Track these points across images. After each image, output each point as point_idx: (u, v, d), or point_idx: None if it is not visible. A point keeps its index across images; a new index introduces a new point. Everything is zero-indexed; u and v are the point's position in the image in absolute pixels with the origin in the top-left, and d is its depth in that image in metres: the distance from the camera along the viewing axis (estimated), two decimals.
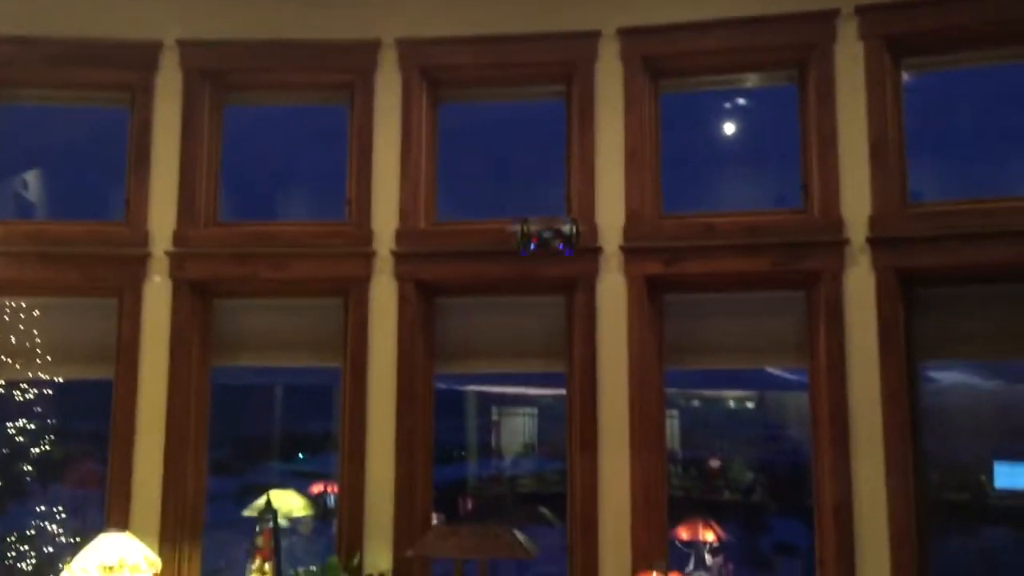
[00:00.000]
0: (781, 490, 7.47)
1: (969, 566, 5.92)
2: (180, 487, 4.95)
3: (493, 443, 9.50)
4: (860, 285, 4.69)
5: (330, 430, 5.85)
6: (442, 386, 5.27)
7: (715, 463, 6.76)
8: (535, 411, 9.45)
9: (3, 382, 5.22)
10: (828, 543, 4.65)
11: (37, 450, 5.52)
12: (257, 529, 4.75)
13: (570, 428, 5.01)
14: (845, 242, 4.72)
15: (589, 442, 4.88)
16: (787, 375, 7.96)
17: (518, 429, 9.60)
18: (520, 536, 4.58)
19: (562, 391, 5.14)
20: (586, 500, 4.85)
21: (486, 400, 9.13)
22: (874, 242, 4.68)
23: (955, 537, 5.91)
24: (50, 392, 5.50)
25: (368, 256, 5.10)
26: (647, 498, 4.81)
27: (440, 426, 5.20)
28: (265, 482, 4.83)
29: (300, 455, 6.70)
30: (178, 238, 5.13)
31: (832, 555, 4.61)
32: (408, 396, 5.00)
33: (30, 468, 5.47)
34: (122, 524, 4.62)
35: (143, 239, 5.13)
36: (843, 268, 4.72)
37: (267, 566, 4.60)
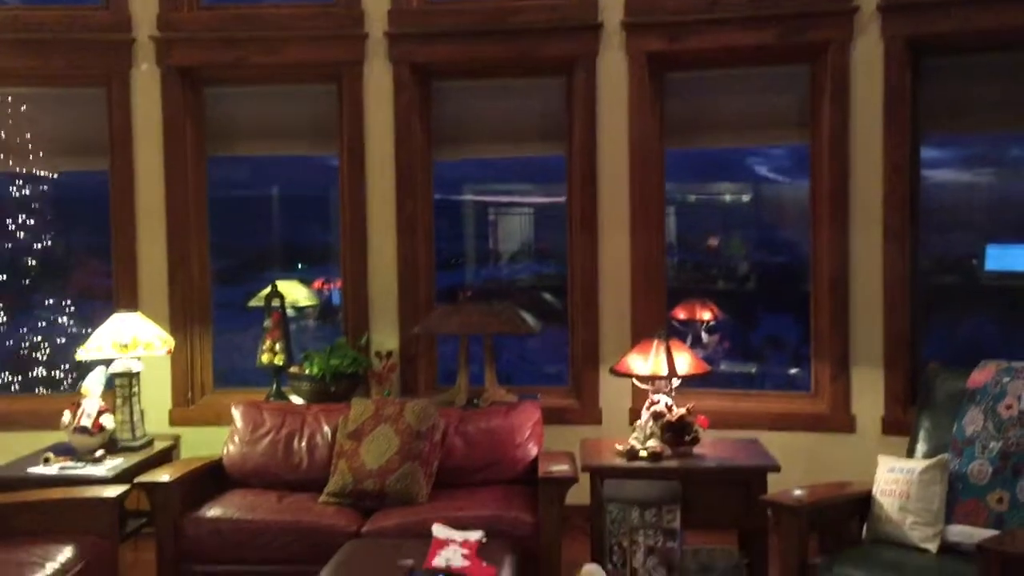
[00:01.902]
0: (773, 284, 7.60)
1: (958, 342, 6.08)
2: (185, 272, 5.00)
3: (491, 245, 9.56)
4: (868, 55, 4.57)
5: (329, 240, 5.88)
6: (438, 196, 5.22)
7: (713, 241, 6.84)
8: (531, 212, 9.47)
9: None
10: (823, 317, 4.76)
11: (40, 246, 5.55)
12: (265, 312, 4.84)
13: (570, 210, 5.01)
14: (854, 10, 4.57)
15: (589, 223, 4.90)
16: (781, 177, 7.94)
17: (515, 230, 9.65)
18: (523, 313, 4.68)
19: (560, 199, 5.11)
20: (586, 280, 4.93)
21: (483, 209, 9.13)
22: (884, 9, 4.53)
23: (945, 315, 6.04)
24: (46, 187, 5.48)
25: (360, 38, 4.94)
26: (646, 277, 4.88)
27: (437, 235, 5.19)
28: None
29: (299, 265, 6.72)
30: (162, 22, 4.94)
31: (827, 328, 4.73)
32: (408, 182, 4.98)
33: (34, 263, 5.51)
34: (131, 307, 4.68)
35: (126, 23, 4.95)
36: (851, 37, 4.58)
37: (278, 346, 4.71)
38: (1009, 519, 3.29)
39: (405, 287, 4.98)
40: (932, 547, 3.35)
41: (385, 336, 4.96)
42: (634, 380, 4.18)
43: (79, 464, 4.10)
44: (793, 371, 5.83)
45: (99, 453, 4.17)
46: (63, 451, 4.21)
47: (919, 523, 3.39)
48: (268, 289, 4.91)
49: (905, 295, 4.64)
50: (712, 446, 4.05)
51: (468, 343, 4.67)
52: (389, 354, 4.83)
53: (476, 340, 4.68)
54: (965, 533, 3.33)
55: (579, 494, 4.02)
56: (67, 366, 5.54)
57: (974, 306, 6.40)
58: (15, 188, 5.41)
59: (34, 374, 5.54)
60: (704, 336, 5.55)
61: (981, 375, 3.63)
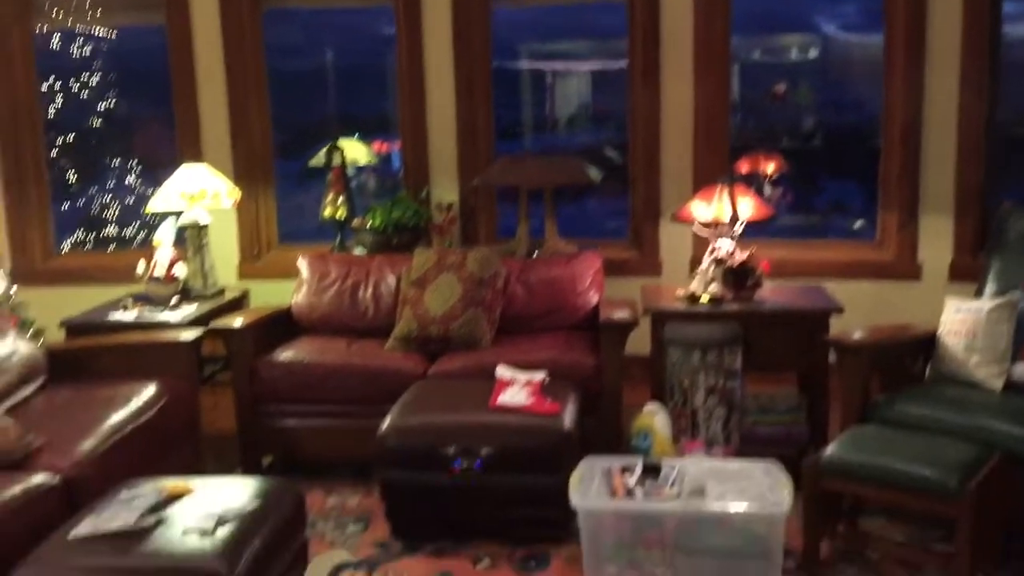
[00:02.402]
0: (839, 143, 7.40)
1: None
2: (246, 127, 5.02)
3: (548, 111, 9.43)
4: None
5: (385, 110, 5.83)
6: (495, 64, 5.08)
7: (780, 87, 6.63)
8: (589, 77, 9.29)
9: (58, 36, 5.21)
10: (893, 164, 4.63)
11: (103, 107, 5.61)
12: (325, 171, 4.87)
13: (631, 64, 4.89)
14: None
15: (651, 77, 4.78)
16: (849, 34, 7.61)
17: (572, 95, 9.49)
18: (584, 164, 4.64)
19: (618, 62, 4.93)
20: (648, 135, 4.84)
21: (540, 76, 8.96)
22: None
23: (1020, 166, 5.84)
24: (106, 47, 5.49)
25: None
26: (709, 132, 4.78)
27: (494, 103, 5.08)
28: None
29: (356, 135, 6.70)
30: None
31: (896, 175, 4.61)
32: (465, 31, 4.88)
33: (99, 123, 5.59)
34: (196, 160, 4.75)
35: None
36: None
37: (340, 200, 4.76)
38: None
39: (465, 139, 4.95)
40: (997, 385, 3.35)
41: (445, 190, 4.97)
42: (696, 227, 4.15)
43: (155, 311, 4.25)
44: (857, 225, 5.73)
45: (174, 301, 4.31)
46: (139, 300, 4.36)
47: (984, 361, 3.38)
48: (328, 147, 4.92)
49: (980, 143, 4.49)
50: (773, 292, 4.04)
51: (528, 196, 4.66)
52: (450, 206, 4.86)
53: (536, 198, 4.66)
54: None
55: (639, 344, 4.07)
56: (136, 225, 5.69)
57: None
58: (76, 48, 5.45)
59: (105, 233, 5.70)
60: (767, 189, 5.45)
61: None
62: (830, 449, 3.09)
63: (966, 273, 4.35)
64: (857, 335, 3.47)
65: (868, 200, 4.99)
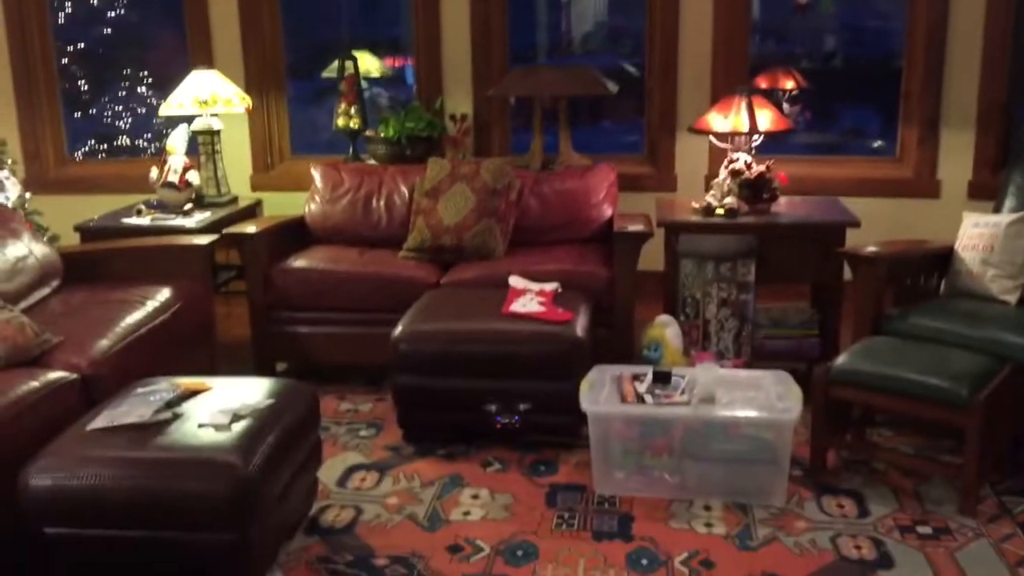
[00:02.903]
0: (860, 69, 7.24)
1: None
2: (258, 35, 4.95)
3: (563, 29, 9.26)
4: None
5: (398, 35, 5.71)
6: None
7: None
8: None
9: None
10: (915, 78, 4.54)
11: (113, 14, 5.53)
12: (338, 81, 4.80)
13: None
14: None
15: None
16: None
17: (587, 14, 9.30)
18: (601, 76, 4.57)
19: None
20: (666, 47, 4.75)
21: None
22: None
23: None
24: None
25: None
26: (728, 46, 4.69)
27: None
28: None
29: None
30: None
31: (918, 89, 4.53)
32: None
33: (110, 32, 5.52)
34: (207, 66, 4.69)
35: None
36: None
37: (353, 110, 4.71)
38: None
39: (479, 51, 4.87)
40: (1012, 299, 3.33)
41: (459, 101, 4.91)
42: (712, 139, 4.10)
43: (169, 217, 4.25)
44: (877, 144, 5.64)
45: (187, 207, 4.32)
46: (153, 207, 4.36)
47: (1000, 276, 3.35)
48: (341, 56, 4.85)
49: (1005, 56, 4.39)
50: (790, 205, 4.01)
51: (543, 113, 4.60)
52: (464, 117, 4.80)
53: (551, 118, 4.59)
54: None
55: (653, 260, 4.06)
56: (149, 135, 5.66)
57: None
58: None
59: (118, 142, 5.67)
60: (786, 106, 5.34)
61: None
62: (841, 358, 3.09)
63: (985, 191, 4.30)
64: (873, 247, 3.44)
65: (887, 124, 4.90)
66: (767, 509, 2.91)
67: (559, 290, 3.65)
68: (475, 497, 3.04)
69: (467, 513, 2.94)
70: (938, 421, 2.97)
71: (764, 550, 2.69)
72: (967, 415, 2.79)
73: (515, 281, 3.71)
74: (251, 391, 2.75)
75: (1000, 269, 3.35)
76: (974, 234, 3.46)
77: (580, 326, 3.39)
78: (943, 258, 3.53)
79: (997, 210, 3.62)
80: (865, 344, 3.19)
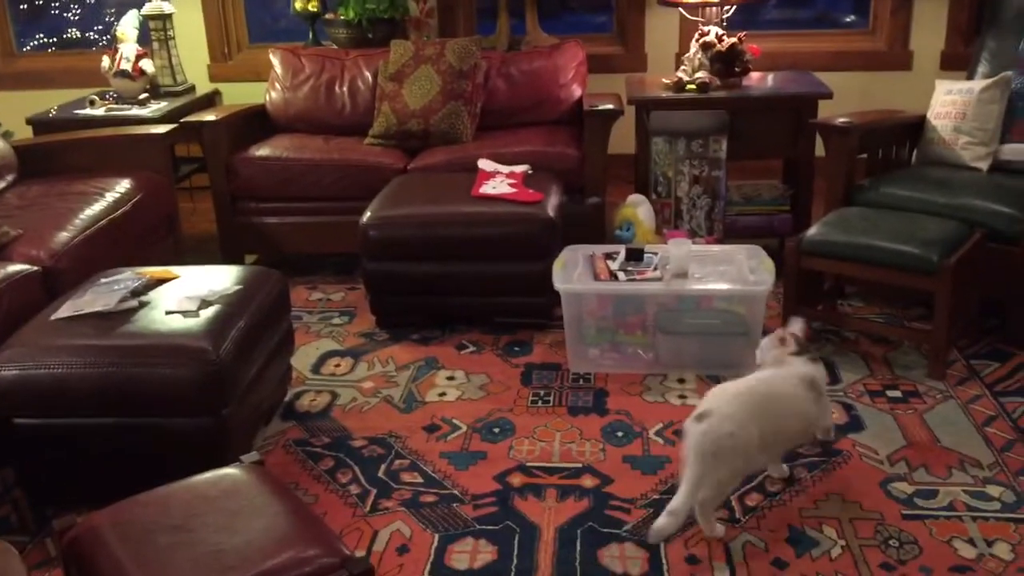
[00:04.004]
0: None
1: None
2: None
3: None
4: None
5: None
6: None
7: None
8: None
9: None
10: None
11: None
12: None
13: None
14: None
15: None
16: None
17: None
18: None
19: None
20: None
21: None
22: None
23: None
24: None
25: None
26: None
27: None
28: None
29: None
30: None
31: None
32: None
33: None
34: None
35: None
36: None
37: None
38: None
39: None
40: (983, 166, 3.32)
41: None
42: (683, 11, 3.99)
43: (125, 107, 4.11)
44: (850, 19, 5.53)
45: (142, 97, 4.17)
46: (107, 98, 4.21)
47: (972, 143, 3.33)
48: None
49: None
50: (762, 78, 3.94)
51: None
52: None
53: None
54: (1019, 151, 3.28)
55: (624, 143, 3.99)
56: (99, 27, 5.42)
57: None
58: None
59: (67, 35, 5.44)
60: None
61: None
62: (813, 229, 3.08)
63: (958, 62, 4.23)
64: (844, 118, 3.40)
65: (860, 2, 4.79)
66: None
67: (530, 171, 3.59)
68: (450, 378, 3.04)
69: (443, 394, 2.94)
70: (908, 287, 2.99)
71: None
72: (937, 280, 2.80)
73: (484, 164, 3.65)
74: (219, 278, 2.70)
75: (972, 136, 3.33)
76: (947, 101, 3.42)
77: (551, 206, 3.34)
78: (916, 128, 3.51)
79: (970, 77, 3.58)
80: (837, 215, 3.18)
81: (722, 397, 2.24)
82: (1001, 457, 2.48)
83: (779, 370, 2.37)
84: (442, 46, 4.07)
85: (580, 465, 2.52)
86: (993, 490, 2.34)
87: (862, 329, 3.20)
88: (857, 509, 2.29)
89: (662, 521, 2.08)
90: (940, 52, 4.43)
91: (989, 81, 3.35)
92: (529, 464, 2.53)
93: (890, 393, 2.83)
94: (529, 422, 2.75)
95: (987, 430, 2.61)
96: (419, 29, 4.58)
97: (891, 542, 2.16)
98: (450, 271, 3.32)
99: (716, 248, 3.31)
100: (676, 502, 2.09)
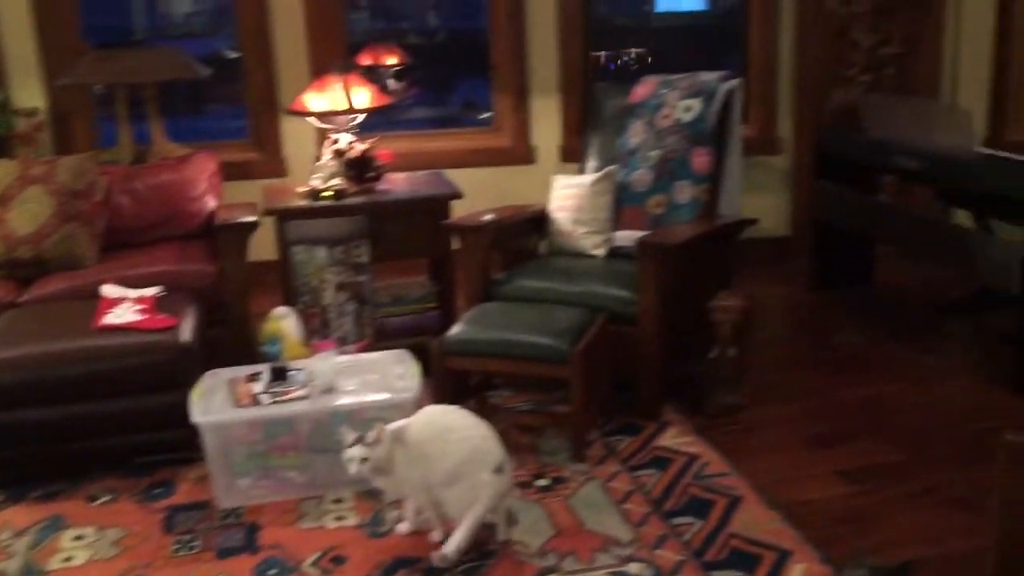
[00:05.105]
0: (464, 43, 7.49)
1: (628, 75, 6.38)
2: None
3: (157, 17, 8.62)
4: None
5: None
6: None
7: None
8: None
9: None
10: (503, 45, 4.75)
11: None
12: None
13: None
14: None
15: None
16: None
17: None
18: (191, 58, 4.26)
19: None
20: (257, 24, 4.55)
21: None
22: None
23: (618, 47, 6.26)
24: None
25: None
26: (323, 21, 4.60)
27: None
28: None
29: None
30: None
31: (507, 56, 4.74)
32: None
33: None
34: None
35: None
36: None
37: None
38: (664, 219, 3.57)
39: (46, 35, 4.34)
40: (601, 252, 3.59)
41: (28, 93, 4.35)
42: (313, 120, 3.99)
43: None
44: (484, 116, 5.87)
45: None
46: None
47: (590, 232, 3.60)
48: None
49: (579, 24, 4.71)
50: (396, 181, 4.01)
51: (128, 94, 4.20)
52: (34, 111, 4.26)
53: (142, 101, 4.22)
54: (629, 237, 3.58)
55: (267, 250, 3.88)
56: None
57: (644, 42, 6.68)
58: None
59: None
60: (392, 82, 5.36)
61: (642, 89, 3.80)
62: (454, 329, 3.15)
63: (575, 154, 4.58)
64: (474, 218, 3.54)
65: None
66: None
67: (161, 294, 3.36)
68: (79, 538, 2.71)
69: (68, 559, 2.61)
70: (545, 377, 3.12)
71: (395, 535, 2.67)
72: (568, 367, 2.95)
73: (108, 290, 3.36)
74: None
75: (589, 226, 3.60)
76: (564, 195, 3.68)
77: (186, 331, 3.14)
78: (542, 220, 3.73)
79: (582, 170, 3.89)
80: (477, 311, 3.27)
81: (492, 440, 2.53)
82: (639, 532, 2.62)
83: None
84: (53, 164, 3.73)
85: None
86: (633, 568, 2.46)
87: (510, 420, 3.29)
88: None
89: None
90: (559, 146, 4.80)
91: (598, 175, 3.65)
92: None
93: (539, 482, 2.91)
94: (172, 575, 2.51)
95: (625, 507, 2.75)
96: (28, 145, 4.19)
97: None
98: (75, 413, 2.99)
99: (364, 357, 3.27)
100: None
